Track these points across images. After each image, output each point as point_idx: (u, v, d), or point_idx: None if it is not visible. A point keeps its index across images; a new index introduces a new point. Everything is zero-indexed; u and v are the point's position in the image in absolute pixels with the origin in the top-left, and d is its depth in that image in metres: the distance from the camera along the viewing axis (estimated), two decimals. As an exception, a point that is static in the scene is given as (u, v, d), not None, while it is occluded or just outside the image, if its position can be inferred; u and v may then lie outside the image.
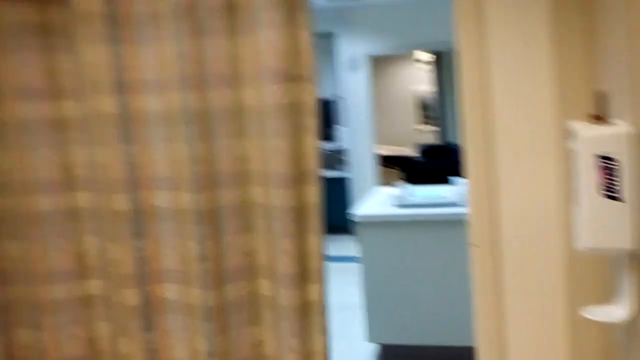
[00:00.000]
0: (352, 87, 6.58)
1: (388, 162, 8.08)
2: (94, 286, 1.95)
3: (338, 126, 7.35)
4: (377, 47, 6.45)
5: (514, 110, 1.71)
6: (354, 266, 3.61)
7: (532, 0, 1.67)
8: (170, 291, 1.90)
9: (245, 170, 1.83)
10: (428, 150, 7.47)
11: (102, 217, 1.89)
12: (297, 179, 1.74)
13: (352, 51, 6.49)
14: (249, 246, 1.85)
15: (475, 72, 1.71)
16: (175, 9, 1.74)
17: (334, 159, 7.69)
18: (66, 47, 1.86)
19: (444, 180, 3.61)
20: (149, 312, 1.91)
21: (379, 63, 8.99)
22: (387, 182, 7.43)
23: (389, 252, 3.22)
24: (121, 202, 1.84)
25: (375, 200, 3.74)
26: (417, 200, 3.36)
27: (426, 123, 9.18)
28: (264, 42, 1.71)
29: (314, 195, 1.77)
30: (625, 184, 1.22)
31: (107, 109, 1.81)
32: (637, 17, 1.13)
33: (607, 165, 1.24)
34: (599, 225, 1.27)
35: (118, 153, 1.83)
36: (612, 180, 1.24)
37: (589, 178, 1.26)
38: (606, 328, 1.63)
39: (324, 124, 7.69)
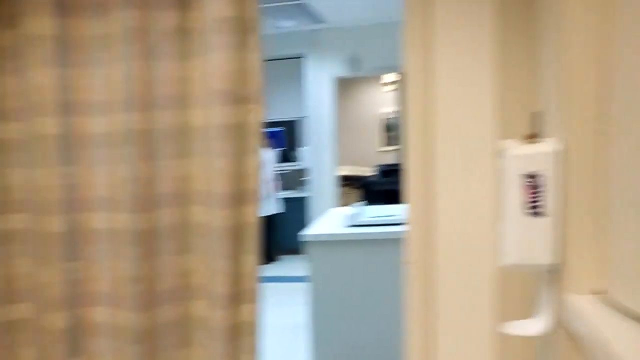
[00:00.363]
0: (318, 108, 6.64)
1: (349, 182, 8.13)
2: (22, 310, 1.91)
3: (302, 147, 7.40)
4: (344, 69, 6.54)
5: (455, 132, 1.75)
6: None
7: (477, 28, 1.72)
8: (100, 314, 1.87)
9: (187, 190, 1.81)
10: (386, 170, 7.57)
11: (34, 239, 1.85)
12: (238, 199, 1.74)
13: (321, 73, 6.58)
14: (185, 267, 1.83)
15: (420, 94, 1.75)
16: (126, 32, 1.74)
17: (295, 179, 7.71)
18: (13, 70, 1.84)
19: (399, 200, 3.64)
20: (77, 336, 1.86)
21: (347, 85, 9.11)
22: (347, 202, 7.47)
23: (336, 271, 3.23)
24: (55, 223, 1.81)
25: (330, 220, 3.75)
26: (367, 219, 3.38)
27: (390, 144, 9.28)
28: (214, 64, 1.71)
29: (252, 215, 1.77)
30: (549, 199, 1.26)
31: (49, 130, 1.78)
32: (565, 44, 1.18)
33: (532, 183, 1.28)
34: (521, 242, 1.29)
35: (57, 174, 1.80)
36: (536, 197, 1.28)
37: (514, 195, 1.29)
38: (532, 343, 1.66)
39: (288, 144, 7.72)
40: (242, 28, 1.69)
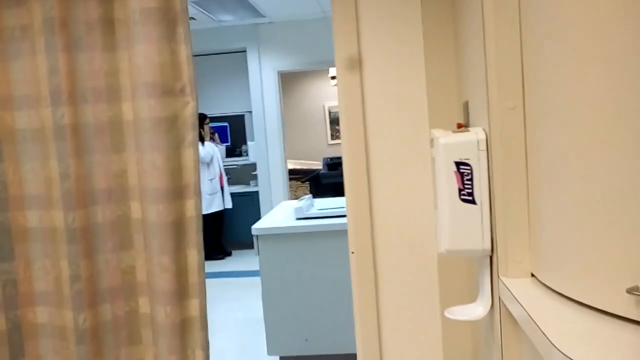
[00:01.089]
0: (264, 102, 6.62)
1: (298, 176, 8.15)
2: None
3: (250, 141, 7.37)
4: (289, 63, 6.54)
5: (389, 123, 1.78)
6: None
7: (406, 20, 1.75)
8: (41, 315, 1.82)
9: (123, 185, 1.79)
10: (333, 164, 7.63)
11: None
12: (176, 193, 1.72)
13: (265, 67, 6.56)
14: (127, 264, 1.81)
15: (351, 86, 1.77)
16: (48, 23, 1.69)
17: (244, 174, 7.68)
18: None
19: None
20: (19, 338, 1.82)
21: (293, 79, 9.10)
22: (296, 195, 7.49)
23: (286, 264, 3.24)
24: None
25: (279, 213, 3.76)
26: (315, 212, 3.40)
27: (339, 137, 9.34)
28: (141, 56, 1.68)
29: (193, 209, 1.75)
30: (477, 187, 1.30)
31: None
32: (490, 36, 1.22)
33: (463, 170, 1.31)
34: (456, 228, 1.33)
35: None
36: (467, 184, 1.31)
37: (446, 183, 1.32)
38: (475, 326, 1.71)
39: (236, 139, 7.67)
40: (169, 19, 1.67)
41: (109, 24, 1.74)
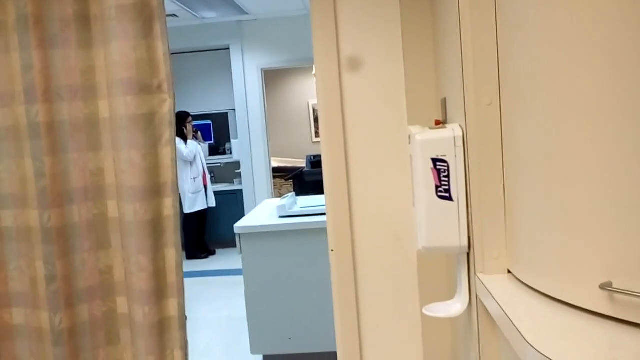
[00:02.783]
0: (248, 100, 6.60)
1: (282, 174, 8.14)
2: None
3: (233, 140, 7.33)
4: (273, 60, 6.52)
5: (367, 120, 1.77)
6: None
7: (385, 17, 1.75)
8: (17, 316, 1.80)
9: (99, 184, 1.77)
10: (316, 161, 7.62)
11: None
12: (153, 191, 1.71)
13: (248, 65, 6.54)
14: (104, 263, 1.79)
15: (329, 84, 1.76)
16: (22, 20, 1.67)
17: (228, 172, 7.65)
18: None
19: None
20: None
21: (277, 77, 9.08)
22: (280, 193, 7.48)
23: (269, 262, 3.23)
24: None
25: (262, 212, 3.75)
26: (298, 210, 3.39)
27: (323, 135, 9.33)
28: (117, 53, 1.66)
29: (171, 207, 1.74)
30: (454, 184, 1.30)
31: None
32: (466, 32, 1.22)
33: (440, 167, 1.31)
34: (433, 225, 1.32)
35: None
36: (444, 181, 1.31)
37: (423, 180, 1.31)
38: (454, 323, 1.71)
39: (219, 137, 7.64)
40: (146, 15, 1.65)
41: (84, 21, 1.72)
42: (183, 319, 1.76)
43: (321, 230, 3.14)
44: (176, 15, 5.91)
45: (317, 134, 9.37)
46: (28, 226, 1.74)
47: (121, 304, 1.80)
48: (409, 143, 1.41)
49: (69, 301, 1.74)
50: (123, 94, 1.67)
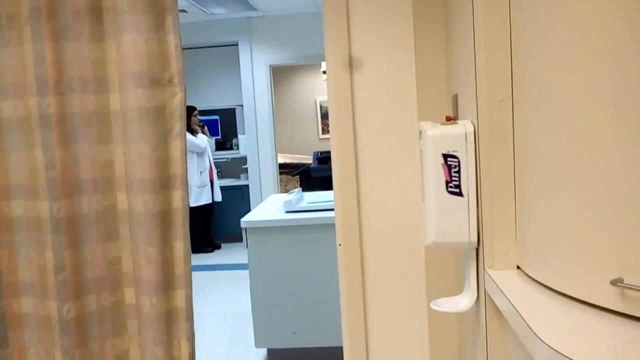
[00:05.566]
0: (255, 96, 6.60)
1: (289, 170, 8.15)
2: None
3: (240, 135, 7.34)
4: (281, 57, 6.52)
5: (378, 116, 1.77)
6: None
7: (396, 12, 1.74)
8: (26, 305, 1.81)
9: (109, 176, 1.78)
10: (323, 158, 7.63)
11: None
12: (162, 184, 1.71)
13: (256, 61, 6.54)
14: (114, 254, 1.80)
15: (341, 80, 1.76)
16: (35, 12, 1.67)
17: (235, 167, 7.66)
18: None
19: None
20: (3, 328, 1.81)
21: (285, 73, 9.08)
22: (286, 189, 7.48)
23: (274, 257, 3.24)
24: None
25: (268, 206, 3.75)
26: (305, 205, 3.40)
27: (329, 131, 9.32)
28: (129, 45, 1.67)
29: (179, 200, 1.75)
30: (464, 180, 1.30)
31: None
32: (479, 29, 1.22)
33: (451, 163, 1.31)
34: (443, 220, 1.32)
35: None
36: (454, 176, 1.31)
37: (433, 175, 1.31)
38: (461, 318, 1.71)
39: (226, 132, 7.65)
40: (158, 9, 1.66)
41: (96, 13, 1.72)
42: (190, 310, 1.77)
43: (327, 226, 3.15)
44: (185, 11, 5.91)
45: (324, 131, 9.36)
46: (38, 216, 1.75)
47: (129, 295, 1.81)
48: (420, 138, 1.41)
49: (77, 291, 1.75)
50: (134, 86, 1.68)
